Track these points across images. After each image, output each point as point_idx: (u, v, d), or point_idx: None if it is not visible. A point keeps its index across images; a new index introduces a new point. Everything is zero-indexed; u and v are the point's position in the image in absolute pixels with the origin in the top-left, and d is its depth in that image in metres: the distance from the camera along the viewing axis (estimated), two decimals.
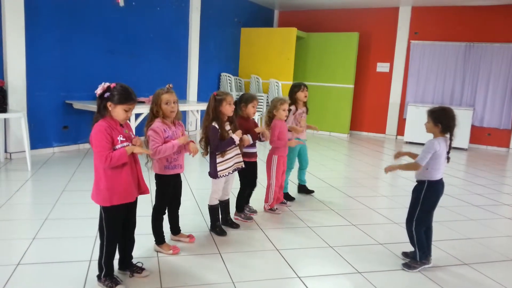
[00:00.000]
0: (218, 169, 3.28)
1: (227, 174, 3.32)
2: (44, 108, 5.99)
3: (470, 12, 9.11)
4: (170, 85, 2.90)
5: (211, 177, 3.36)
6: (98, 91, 2.37)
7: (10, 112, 5.14)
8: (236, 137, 3.24)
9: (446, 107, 2.95)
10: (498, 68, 8.94)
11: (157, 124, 2.84)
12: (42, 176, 4.88)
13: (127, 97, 2.38)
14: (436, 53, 9.48)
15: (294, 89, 4.48)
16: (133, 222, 2.65)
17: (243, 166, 3.45)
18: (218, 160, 3.27)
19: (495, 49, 8.92)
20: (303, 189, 4.76)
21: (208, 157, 3.39)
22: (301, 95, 4.44)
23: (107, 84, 2.37)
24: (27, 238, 3.16)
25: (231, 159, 3.32)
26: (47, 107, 6.03)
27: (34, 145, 5.82)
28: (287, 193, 4.52)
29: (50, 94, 6.03)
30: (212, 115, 3.24)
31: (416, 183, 3.03)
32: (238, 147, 3.36)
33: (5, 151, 5.59)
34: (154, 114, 2.87)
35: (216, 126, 3.21)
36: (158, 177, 2.99)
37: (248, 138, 3.44)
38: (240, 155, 3.40)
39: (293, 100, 4.45)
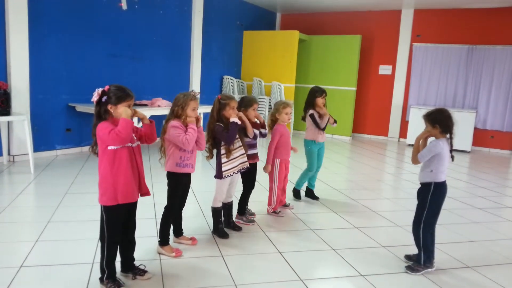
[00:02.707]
0: (223, 169, 3.29)
1: (231, 174, 3.33)
2: (47, 111, 6.01)
3: (473, 14, 9.10)
4: (198, 92, 2.96)
5: (217, 178, 3.36)
6: (95, 98, 2.40)
7: (13, 115, 5.16)
8: (235, 119, 3.22)
9: (440, 108, 2.97)
10: (501, 71, 8.93)
11: (174, 122, 2.88)
12: (45, 179, 4.90)
13: (124, 95, 2.41)
14: (438, 56, 9.47)
15: (315, 94, 4.37)
16: (133, 224, 2.65)
17: (248, 166, 3.45)
18: (223, 160, 3.29)
19: (497, 51, 8.91)
20: (309, 194, 4.71)
21: (211, 160, 3.40)
22: (320, 100, 4.35)
23: (101, 89, 2.40)
24: (30, 240, 3.17)
25: (236, 159, 3.33)
26: (50, 110, 6.05)
27: (37, 147, 5.83)
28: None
29: (53, 97, 6.06)
30: (216, 117, 3.27)
31: (421, 185, 3.02)
32: (242, 147, 3.37)
33: (8, 154, 5.60)
34: (176, 115, 2.92)
35: (221, 124, 3.24)
36: (169, 175, 3.02)
37: (243, 118, 3.38)
38: (245, 155, 3.40)
39: (311, 104, 4.39)
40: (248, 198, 3.89)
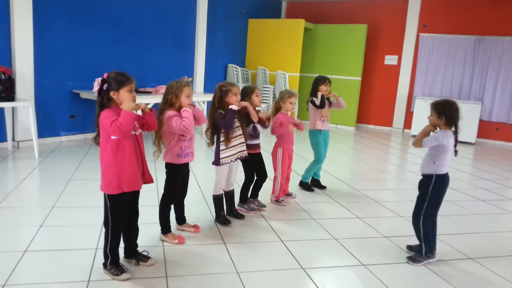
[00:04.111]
0: (221, 156, 3.30)
1: (229, 161, 3.33)
2: (52, 97, 6.01)
3: (480, 5, 8.98)
4: (190, 78, 2.93)
5: (215, 165, 3.37)
6: (95, 88, 2.39)
7: (18, 101, 5.16)
8: (233, 106, 3.21)
9: (449, 100, 2.93)
10: (508, 62, 8.83)
11: (169, 112, 2.85)
12: (49, 165, 4.92)
13: (125, 79, 2.40)
14: (445, 46, 9.37)
15: (318, 82, 4.39)
16: (136, 211, 2.67)
17: (247, 155, 3.45)
18: (221, 148, 3.29)
19: (505, 42, 8.80)
20: (316, 184, 4.72)
21: (213, 147, 3.41)
22: (323, 88, 4.35)
23: (100, 78, 2.39)
24: (34, 225, 3.20)
25: (235, 147, 3.33)
26: (55, 96, 6.05)
27: (41, 133, 5.85)
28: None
29: (57, 83, 6.06)
30: (217, 105, 3.26)
31: (423, 176, 3.01)
32: (242, 136, 3.36)
33: (13, 140, 5.63)
34: (170, 104, 2.88)
35: (222, 112, 3.23)
36: (169, 166, 3.01)
37: (245, 103, 3.38)
38: (244, 144, 3.40)
39: (315, 93, 4.38)
40: (259, 188, 3.89)
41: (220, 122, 3.22)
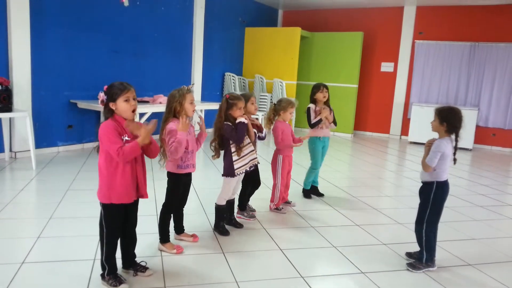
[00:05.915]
0: (235, 167, 3.28)
1: (244, 171, 3.34)
2: (49, 107, 6.01)
3: (476, 11, 9.07)
4: (191, 86, 2.97)
5: (227, 176, 3.35)
6: (100, 103, 2.42)
7: (15, 111, 5.16)
8: (242, 119, 3.23)
9: (454, 107, 2.90)
10: (503, 68, 8.90)
11: (171, 124, 2.85)
12: (46, 175, 4.91)
13: (118, 90, 2.39)
14: (441, 53, 9.44)
15: (314, 90, 4.44)
16: (133, 221, 2.64)
17: (259, 162, 3.46)
18: (234, 158, 3.28)
19: (500, 49, 8.88)
20: (313, 191, 4.72)
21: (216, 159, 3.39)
22: (320, 96, 4.38)
23: (101, 92, 2.41)
24: (31, 236, 3.18)
25: (246, 156, 3.33)
26: (52, 106, 6.05)
27: (38, 144, 5.84)
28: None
29: (55, 93, 6.06)
30: (224, 117, 3.27)
31: (423, 184, 3.01)
32: (251, 144, 3.37)
33: (10, 150, 5.61)
34: (175, 113, 2.89)
35: (229, 123, 3.24)
36: (170, 175, 3.01)
37: (250, 117, 3.43)
38: (255, 151, 3.41)
39: (313, 101, 4.44)
40: (250, 194, 3.88)
41: (231, 135, 3.23)
